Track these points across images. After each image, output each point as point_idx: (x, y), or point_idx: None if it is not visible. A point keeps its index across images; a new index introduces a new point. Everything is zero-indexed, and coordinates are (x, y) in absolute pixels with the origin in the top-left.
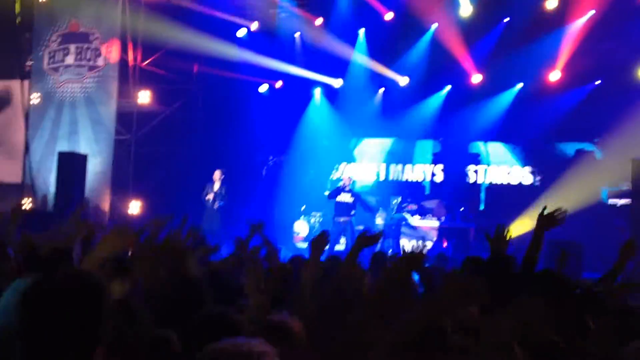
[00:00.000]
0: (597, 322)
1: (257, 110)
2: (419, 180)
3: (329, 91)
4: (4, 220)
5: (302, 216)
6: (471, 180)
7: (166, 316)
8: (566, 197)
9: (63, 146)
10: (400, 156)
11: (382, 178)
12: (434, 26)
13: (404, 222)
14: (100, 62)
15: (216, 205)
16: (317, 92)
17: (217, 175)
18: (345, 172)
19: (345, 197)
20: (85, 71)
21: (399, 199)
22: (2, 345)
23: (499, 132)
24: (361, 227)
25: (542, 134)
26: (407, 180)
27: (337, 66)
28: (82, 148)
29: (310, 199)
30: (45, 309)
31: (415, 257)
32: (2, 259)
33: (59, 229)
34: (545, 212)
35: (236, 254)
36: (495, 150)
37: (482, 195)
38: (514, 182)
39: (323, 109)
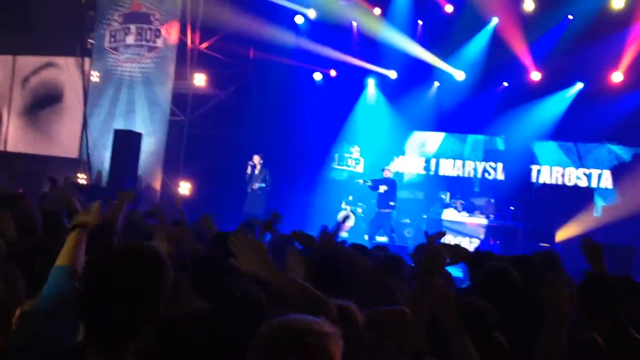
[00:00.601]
0: None
1: (311, 98)
2: (469, 177)
3: (383, 82)
4: (62, 193)
5: (349, 206)
6: (522, 179)
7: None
8: (622, 202)
9: (119, 124)
10: (451, 151)
11: (432, 172)
12: (495, 20)
13: (448, 218)
14: (159, 43)
15: (256, 187)
16: (371, 82)
17: (257, 159)
18: (392, 165)
19: (383, 188)
20: (144, 51)
21: (448, 194)
22: (51, 317)
23: (556, 132)
24: (408, 220)
25: (600, 136)
26: (457, 176)
27: (393, 57)
28: (138, 127)
29: (359, 190)
30: (109, 282)
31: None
32: (58, 227)
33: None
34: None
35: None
36: (551, 150)
37: (534, 195)
38: (569, 183)
39: (376, 100)
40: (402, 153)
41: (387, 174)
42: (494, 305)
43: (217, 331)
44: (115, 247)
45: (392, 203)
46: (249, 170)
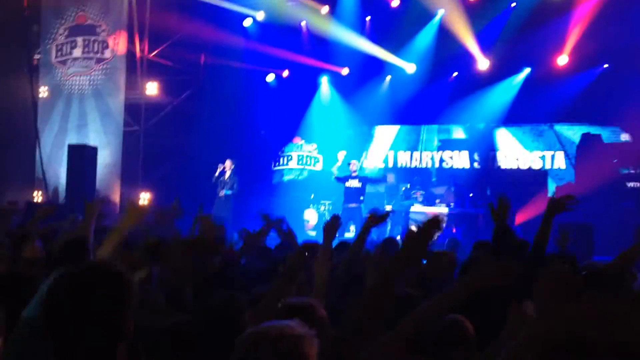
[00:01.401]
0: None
1: (265, 99)
2: (427, 167)
3: (336, 79)
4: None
5: (311, 204)
6: (479, 166)
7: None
8: (577, 181)
9: (72, 139)
10: (407, 143)
11: (390, 165)
12: (441, 12)
13: (411, 209)
14: (107, 54)
15: (222, 194)
16: (324, 80)
17: (228, 164)
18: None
19: (353, 183)
20: (93, 63)
21: (408, 186)
22: (36, 336)
23: (507, 118)
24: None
25: (550, 118)
26: (415, 167)
27: (344, 54)
28: (92, 140)
29: (319, 188)
30: (70, 302)
31: (435, 220)
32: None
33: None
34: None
35: (246, 245)
36: (504, 135)
37: (491, 180)
38: (523, 166)
39: (331, 98)
40: (366, 149)
41: (354, 167)
42: None
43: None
44: (78, 265)
45: (361, 197)
46: (217, 173)
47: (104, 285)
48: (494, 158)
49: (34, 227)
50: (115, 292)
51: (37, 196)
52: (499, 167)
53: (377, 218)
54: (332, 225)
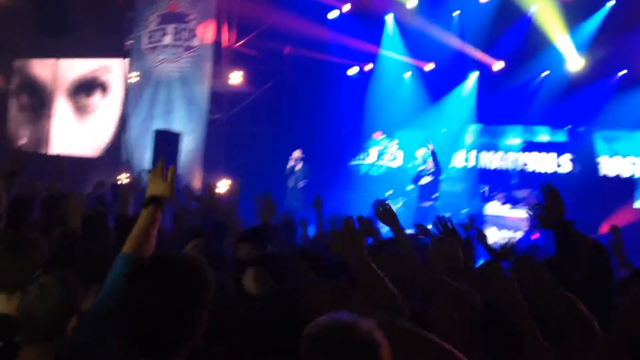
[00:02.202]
0: None
1: (347, 92)
2: (509, 169)
3: (420, 75)
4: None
5: (389, 200)
6: (564, 170)
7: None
8: None
9: (159, 124)
10: (490, 143)
11: (471, 165)
12: (533, 8)
13: (491, 213)
14: (195, 42)
15: (300, 185)
16: (408, 75)
17: (298, 154)
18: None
19: (426, 180)
20: (181, 51)
21: (487, 188)
22: (111, 314)
23: (600, 121)
24: (449, 214)
25: None
26: (496, 169)
27: (429, 49)
28: (176, 126)
29: (397, 184)
30: (150, 297)
31: (504, 252)
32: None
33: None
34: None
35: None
36: (594, 139)
37: (578, 185)
38: (612, 173)
39: (413, 93)
40: (461, 147)
41: (430, 166)
42: None
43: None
44: (157, 257)
45: (434, 195)
46: (289, 165)
47: (183, 280)
48: (583, 162)
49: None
50: (193, 288)
51: (123, 179)
52: (587, 171)
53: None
54: (384, 213)
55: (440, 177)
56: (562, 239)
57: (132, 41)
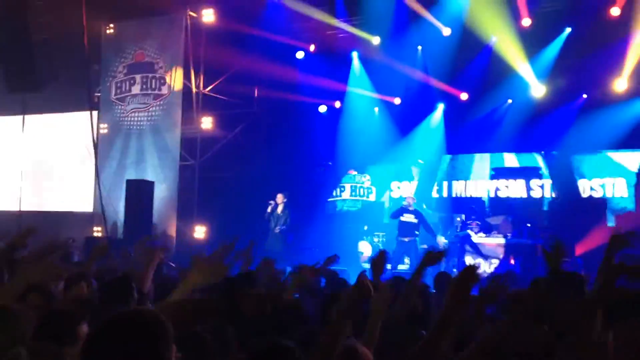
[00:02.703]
0: None
1: (318, 130)
2: (482, 197)
3: (388, 109)
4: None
5: (365, 236)
6: (536, 195)
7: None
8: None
9: (131, 174)
10: (461, 172)
11: (444, 195)
12: (493, 39)
13: (467, 240)
14: (164, 90)
15: (277, 230)
16: (377, 110)
17: (280, 198)
18: (407, 191)
19: (409, 217)
20: (150, 100)
21: (463, 217)
22: None
23: (565, 145)
24: (425, 247)
25: (609, 145)
26: (469, 197)
27: (396, 84)
28: (149, 175)
29: (372, 219)
30: (105, 352)
31: (468, 272)
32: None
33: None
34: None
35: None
36: (560, 162)
37: (547, 209)
38: (583, 195)
39: (382, 128)
40: (410, 178)
41: (410, 202)
42: None
43: None
44: (113, 315)
45: (417, 232)
46: (269, 209)
47: (139, 336)
48: (552, 186)
49: (90, 266)
50: (150, 343)
51: (97, 232)
52: (556, 195)
53: (434, 257)
54: (379, 261)
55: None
56: (553, 282)
57: (99, 93)
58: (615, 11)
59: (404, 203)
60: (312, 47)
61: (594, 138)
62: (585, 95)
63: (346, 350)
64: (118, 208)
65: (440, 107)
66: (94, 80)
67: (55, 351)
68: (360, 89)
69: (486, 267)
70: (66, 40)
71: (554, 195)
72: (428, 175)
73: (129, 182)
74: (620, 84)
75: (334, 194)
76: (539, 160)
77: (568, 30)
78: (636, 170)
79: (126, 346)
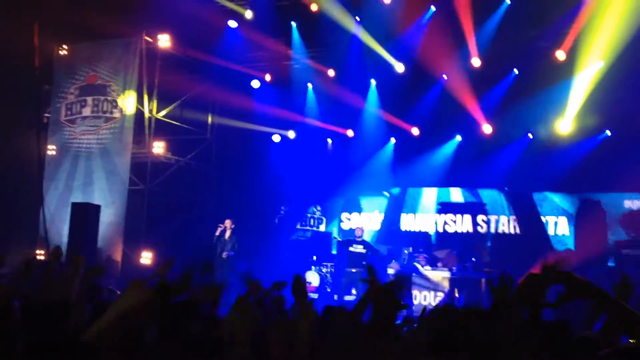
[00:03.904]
0: None
1: (271, 160)
2: (429, 231)
3: (341, 141)
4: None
5: (313, 266)
6: (481, 230)
7: None
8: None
9: (78, 197)
10: (410, 205)
11: (393, 227)
12: (445, 77)
13: (414, 273)
14: (116, 113)
15: (225, 255)
16: (329, 142)
17: (228, 224)
18: (357, 223)
19: (357, 248)
20: (101, 122)
21: (410, 249)
22: None
23: (510, 182)
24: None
25: (552, 185)
26: (418, 231)
27: (350, 116)
28: (97, 199)
29: (321, 249)
30: None
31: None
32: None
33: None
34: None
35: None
36: (507, 200)
37: (490, 245)
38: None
39: (335, 159)
40: (360, 210)
41: (359, 233)
42: None
43: None
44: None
45: (364, 263)
46: (217, 233)
47: None
48: (497, 222)
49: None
50: None
51: (39, 255)
52: (502, 232)
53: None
54: (298, 287)
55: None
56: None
57: (49, 114)
58: (560, 54)
59: (355, 234)
60: (267, 77)
61: (538, 177)
62: (530, 135)
63: None
64: (62, 231)
65: (392, 141)
66: (44, 100)
67: None
68: (314, 120)
69: (431, 299)
70: (18, 59)
71: (479, 230)
72: (392, 206)
73: (74, 205)
74: (563, 126)
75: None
76: (495, 197)
77: (515, 71)
78: (574, 212)
79: None
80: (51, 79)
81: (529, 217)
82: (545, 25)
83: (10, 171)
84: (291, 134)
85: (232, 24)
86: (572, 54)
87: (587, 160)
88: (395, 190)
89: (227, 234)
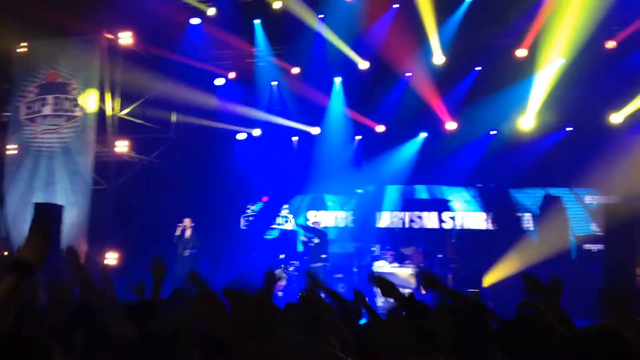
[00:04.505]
0: None
1: (236, 158)
2: (395, 227)
3: (306, 139)
4: None
5: (282, 265)
6: (446, 226)
7: None
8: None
9: (39, 197)
10: (376, 203)
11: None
12: (408, 75)
13: (381, 270)
14: (78, 112)
15: (187, 253)
16: (295, 139)
17: (187, 222)
18: (313, 219)
19: (314, 240)
20: (62, 121)
21: (378, 247)
22: None
23: (472, 178)
24: (340, 275)
25: (514, 180)
26: (385, 227)
27: (315, 114)
28: (59, 199)
29: (289, 248)
30: None
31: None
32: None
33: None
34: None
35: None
36: (468, 196)
37: (456, 241)
38: (488, 227)
39: (300, 157)
40: (326, 208)
41: (314, 224)
42: None
43: None
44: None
45: (323, 256)
46: (177, 232)
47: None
48: (462, 219)
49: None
50: None
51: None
52: (467, 228)
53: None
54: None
55: (327, 239)
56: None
57: (8, 113)
58: (521, 52)
59: (309, 223)
60: (232, 75)
61: (502, 174)
62: (494, 132)
63: None
64: (24, 232)
65: (357, 139)
66: (3, 99)
67: None
68: (279, 118)
69: None
70: None
71: (444, 226)
72: (366, 204)
73: (36, 205)
74: (526, 122)
75: (250, 221)
76: (462, 193)
77: (478, 69)
78: (537, 208)
79: None
80: (9, 77)
81: (502, 213)
82: (506, 23)
83: None
84: (256, 132)
85: (195, 21)
86: (533, 52)
87: (549, 156)
88: (370, 188)
89: (188, 232)
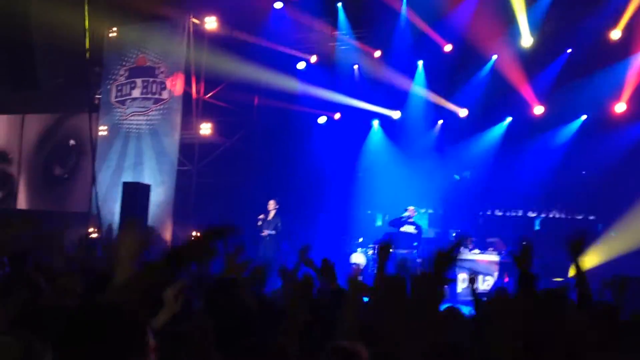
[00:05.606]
0: None
1: (316, 141)
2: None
3: (387, 123)
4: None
5: (360, 248)
6: (531, 215)
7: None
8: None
9: (128, 177)
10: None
11: (440, 211)
12: (494, 57)
13: (462, 257)
14: (165, 95)
15: (266, 234)
16: (376, 124)
17: (272, 205)
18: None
19: (409, 229)
20: (150, 104)
21: (458, 232)
22: None
23: (564, 164)
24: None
25: (607, 167)
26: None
27: (396, 98)
28: (147, 178)
29: (368, 231)
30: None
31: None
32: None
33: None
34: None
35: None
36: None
37: (544, 229)
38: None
39: (381, 141)
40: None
41: (411, 213)
42: None
43: None
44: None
45: (415, 244)
46: (261, 215)
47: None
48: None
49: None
50: (122, 335)
51: (92, 232)
52: (553, 215)
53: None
54: (385, 249)
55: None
56: (523, 286)
57: (100, 95)
58: (615, 34)
59: (405, 214)
60: (313, 58)
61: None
62: (584, 117)
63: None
64: (114, 209)
65: (440, 123)
66: (95, 82)
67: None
68: (360, 102)
69: (480, 284)
70: (69, 42)
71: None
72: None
73: (125, 184)
74: (619, 107)
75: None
76: None
77: (569, 51)
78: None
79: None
80: (101, 61)
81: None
82: (599, 3)
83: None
84: (337, 116)
85: (278, 5)
86: (628, 33)
87: None
88: (466, 174)
89: (271, 214)
